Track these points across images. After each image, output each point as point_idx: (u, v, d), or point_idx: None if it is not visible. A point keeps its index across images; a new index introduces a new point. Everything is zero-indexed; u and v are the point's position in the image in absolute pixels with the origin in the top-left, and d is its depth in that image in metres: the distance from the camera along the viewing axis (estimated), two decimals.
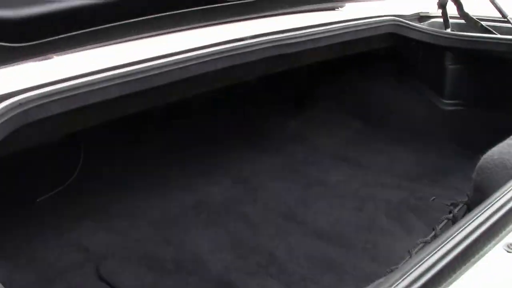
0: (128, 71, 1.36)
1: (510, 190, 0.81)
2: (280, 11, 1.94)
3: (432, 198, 1.72)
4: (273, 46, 1.58)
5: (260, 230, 1.67)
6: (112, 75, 1.31)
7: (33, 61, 1.26)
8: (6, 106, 1.08)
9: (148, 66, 1.40)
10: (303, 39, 1.65)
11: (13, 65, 1.19)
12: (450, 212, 1.34)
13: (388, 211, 1.77)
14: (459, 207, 1.33)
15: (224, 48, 1.54)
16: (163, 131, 2.18)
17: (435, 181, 1.95)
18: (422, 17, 2.27)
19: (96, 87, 1.25)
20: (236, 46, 1.56)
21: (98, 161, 2.01)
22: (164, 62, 1.42)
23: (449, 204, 1.43)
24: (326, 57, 1.84)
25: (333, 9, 2.25)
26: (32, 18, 1.18)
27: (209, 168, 2.04)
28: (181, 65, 1.44)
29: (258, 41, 1.59)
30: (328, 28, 1.74)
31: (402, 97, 2.25)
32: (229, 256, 1.56)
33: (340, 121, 2.34)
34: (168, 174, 2.01)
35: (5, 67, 1.20)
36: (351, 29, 1.81)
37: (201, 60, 1.48)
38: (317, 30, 1.70)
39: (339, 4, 2.27)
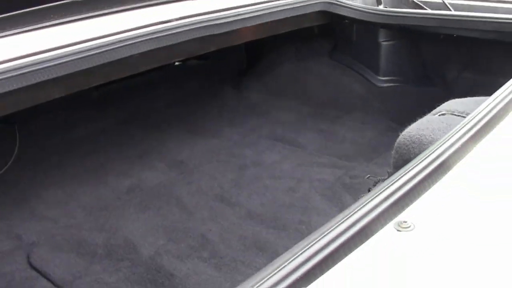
0: (51, 56, 1.32)
1: (410, 169, 0.81)
2: None
3: (366, 176, 1.72)
4: (202, 27, 1.56)
5: (193, 214, 1.65)
6: (39, 58, 1.28)
7: None
8: None
9: (71, 50, 1.36)
10: (231, 19, 1.63)
11: None
12: (369, 190, 1.35)
13: (323, 190, 1.77)
14: (377, 184, 1.34)
15: (151, 30, 1.51)
16: (98, 116, 2.14)
17: (371, 159, 1.96)
18: None
19: (25, 70, 1.23)
20: (162, 27, 1.53)
21: (32, 147, 1.97)
22: (90, 45, 1.39)
23: (377, 181, 1.44)
24: (256, 37, 1.83)
25: None
26: None
27: (145, 153, 2.02)
28: (105, 48, 1.41)
29: (185, 22, 1.56)
30: (256, 8, 1.72)
31: (338, 76, 2.26)
32: (161, 240, 1.54)
33: (276, 102, 2.34)
34: (103, 159, 1.98)
35: None
36: (279, 8, 1.80)
37: (126, 43, 1.45)
38: (245, 10, 1.68)
39: None
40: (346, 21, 2.10)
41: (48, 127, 2.01)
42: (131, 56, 1.45)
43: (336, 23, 2.12)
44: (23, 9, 1.31)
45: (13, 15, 1.30)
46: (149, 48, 1.49)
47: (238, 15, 1.66)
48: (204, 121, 2.26)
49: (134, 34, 1.45)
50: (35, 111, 1.47)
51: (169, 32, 1.51)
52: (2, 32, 1.34)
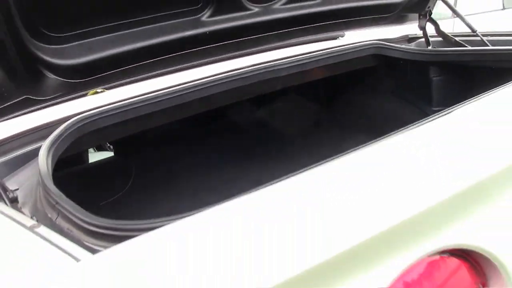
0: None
1: None
2: (287, 43, 2.39)
3: None
4: (267, 72, 2.02)
5: None
6: (145, 97, 1.79)
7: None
8: (72, 121, 1.56)
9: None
10: (290, 64, 2.08)
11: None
12: None
13: None
14: None
15: (229, 75, 1.98)
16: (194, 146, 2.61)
17: None
18: (410, 39, 2.68)
19: (130, 107, 1.73)
20: (236, 73, 2.00)
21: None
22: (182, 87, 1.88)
23: None
24: (313, 78, 2.27)
25: (335, 38, 2.69)
26: (85, 63, 1.68)
27: None
28: (199, 87, 1.90)
29: (255, 68, 2.02)
30: (314, 54, 2.17)
31: (397, 109, 2.63)
32: None
33: (348, 135, 2.71)
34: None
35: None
36: (335, 54, 2.23)
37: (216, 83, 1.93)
38: (303, 57, 2.13)
39: (340, 33, 2.71)
40: (401, 62, 2.48)
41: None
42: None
43: (392, 64, 2.51)
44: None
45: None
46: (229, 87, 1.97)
47: (298, 60, 2.11)
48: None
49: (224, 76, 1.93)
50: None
51: (243, 76, 1.97)
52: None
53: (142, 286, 0.81)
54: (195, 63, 1.93)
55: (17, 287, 0.89)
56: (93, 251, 0.95)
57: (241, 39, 2.00)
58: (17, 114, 1.56)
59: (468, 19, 2.42)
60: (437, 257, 1.03)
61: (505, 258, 1.08)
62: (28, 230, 1.05)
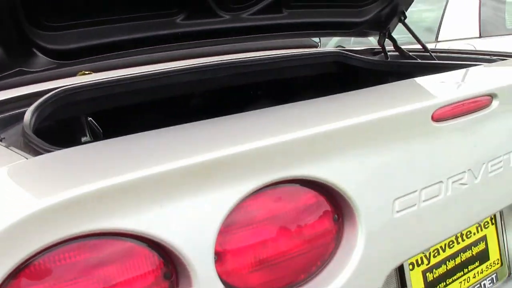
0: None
1: None
2: (258, 46, 2.78)
3: None
4: (232, 67, 2.40)
5: None
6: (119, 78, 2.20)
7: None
8: (56, 91, 1.97)
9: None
10: (256, 62, 2.45)
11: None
12: None
13: None
14: None
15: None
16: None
17: None
18: (375, 52, 3.02)
19: (106, 85, 2.14)
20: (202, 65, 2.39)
21: None
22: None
23: None
24: (278, 77, 2.63)
25: (311, 47, 3.07)
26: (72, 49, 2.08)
27: None
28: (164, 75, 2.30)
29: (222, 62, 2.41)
30: (279, 56, 2.54)
31: None
32: None
33: None
34: None
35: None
36: (299, 57, 2.59)
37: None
38: (268, 57, 2.50)
39: (314, 43, 3.08)
40: (359, 69, 2.83)
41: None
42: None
43: (351, 71, 2.85)
44: None
45: None
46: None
47: (264, 59, 2.48)
48: None
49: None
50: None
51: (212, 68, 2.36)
52: None
53: None
54: (165, 55, 2.31)
55: None
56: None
57: (210, 40, 2.37)
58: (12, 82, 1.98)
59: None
60: (291, 186, 1.34)
61: (355, 195, 1.40)
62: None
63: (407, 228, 1.49)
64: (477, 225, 1.90)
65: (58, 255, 1.05)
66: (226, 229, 1.23)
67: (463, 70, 2.16)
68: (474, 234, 1.90)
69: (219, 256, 1.23)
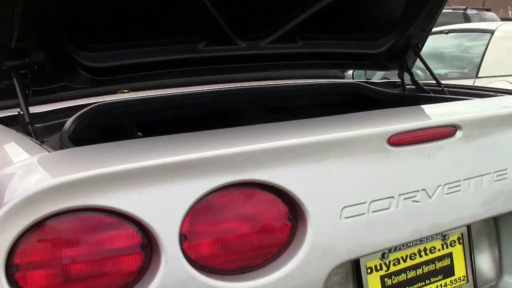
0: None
1: None
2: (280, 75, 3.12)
3: None
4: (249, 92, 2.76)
5: None
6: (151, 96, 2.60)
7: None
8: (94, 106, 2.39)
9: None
10: (273, 89, 2.80)
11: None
12: None
13: None
14: None
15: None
16: None
17: None
18: (396, 85, 3.29)
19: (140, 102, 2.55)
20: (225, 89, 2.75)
21: None
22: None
23: None
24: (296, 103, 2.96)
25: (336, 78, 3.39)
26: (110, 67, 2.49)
27: None
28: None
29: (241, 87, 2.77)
30: (301, 84, 2.87)
31: None
32: None
33: None
34: None
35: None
36: (318, 87, 2.91)
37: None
38: (289, 85, 2.84)
39: (340, 74, 3.39)
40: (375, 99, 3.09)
41: None
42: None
43: (369, 101, 3.11)
44: None
45: None
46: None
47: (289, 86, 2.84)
48: None
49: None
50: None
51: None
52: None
53: None
54: (188, 80, 2.71)
55: None
56: None
57: (228, 65, 2.73)
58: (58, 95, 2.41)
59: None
60: (249, 189, 1.65)
61: (307, 200, 1.69)
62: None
63: (353, 232, 1.76)
64: (442, 242, 2.13)
65: (60, 222, 1.39)
66: (192, 216, 1.56)
67: (450, 102, 2.41)
68: (439, 250, 2.13)
69: (185, 237, 1.55)
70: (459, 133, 2.02)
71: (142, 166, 1.49)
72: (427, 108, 2.25)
